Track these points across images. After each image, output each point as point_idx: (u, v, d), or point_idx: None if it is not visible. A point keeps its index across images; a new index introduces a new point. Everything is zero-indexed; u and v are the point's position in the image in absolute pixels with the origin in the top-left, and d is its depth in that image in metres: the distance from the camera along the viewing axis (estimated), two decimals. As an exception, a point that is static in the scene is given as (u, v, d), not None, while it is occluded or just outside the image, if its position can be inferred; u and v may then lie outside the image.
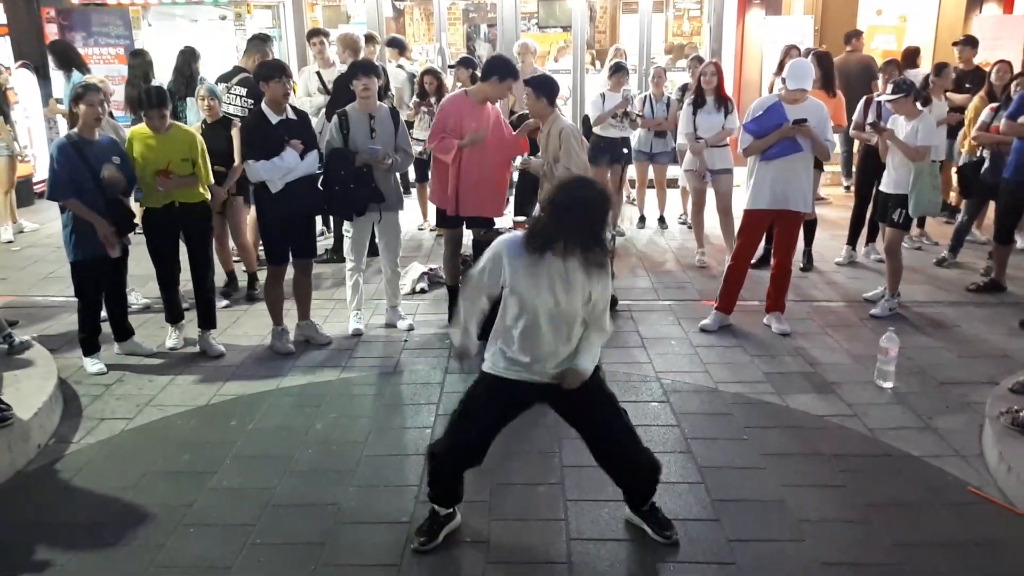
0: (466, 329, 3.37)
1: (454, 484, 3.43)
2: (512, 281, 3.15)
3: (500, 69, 5.41)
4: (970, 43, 8.74)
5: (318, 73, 7.56)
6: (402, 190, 5.85)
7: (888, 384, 4.81)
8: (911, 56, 9.19)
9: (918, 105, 5.83)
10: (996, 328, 5.77)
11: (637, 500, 3.49)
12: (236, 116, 6.40)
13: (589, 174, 5.21)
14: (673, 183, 8.78)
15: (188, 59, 7.43)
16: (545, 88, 5.33)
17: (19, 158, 8.47)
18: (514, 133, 5.73)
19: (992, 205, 6.77)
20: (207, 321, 5.47)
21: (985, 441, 4.12)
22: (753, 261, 6.07)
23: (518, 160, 5.85)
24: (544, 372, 3.25)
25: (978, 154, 6.90)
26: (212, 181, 5.44)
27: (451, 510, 3.48)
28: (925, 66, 9.30)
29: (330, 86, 7.31)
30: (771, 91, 7.92)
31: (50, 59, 8.51)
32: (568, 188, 3.14)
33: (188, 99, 7.17)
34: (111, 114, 5.98)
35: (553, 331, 3.16)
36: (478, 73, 8.15)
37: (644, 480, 3.43)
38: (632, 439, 3.38)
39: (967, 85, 8.38)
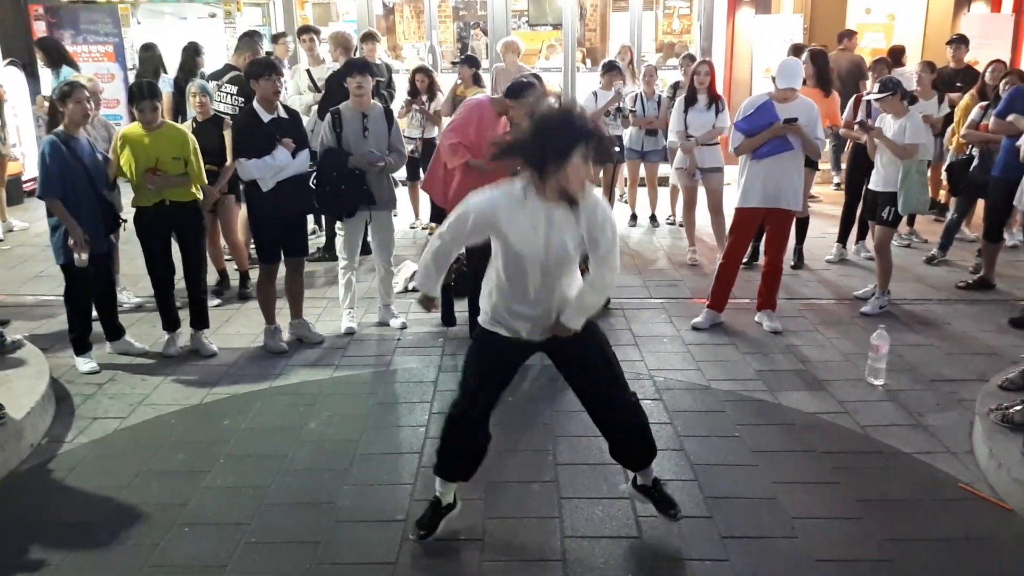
0: (430, 275, 3.34)
1: (467, 456, 3.40)
2: (496, 231, 3.09)
3: (517, 92, 5.12)
4: (962, 41, 8.72)
5: (308, 71, 7.55)
6: (394, 188, 5.84)
7: (879, 381, 4.85)
8: (897, 55, 9.19)
9: (905, 103, 5.87)
10: (985, 325, 5.81)
11: (635, 463, 3.49)
12: (226, 114, 6.38)
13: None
14: (664, 182, 8.80)
15: (192, 54, 7.40)
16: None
17: (7, 158, 8.42)
18: None
19: (981, 203, 6.80)
20: (199, 321, 5.46)
21: (975, 438, 4.16)
22: (744, 259, 6.10)
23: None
24: (538, 325, 3.20)
25: (967, 152, 6.95)
26: (205, 181, 5.42)
27: (453, 500, 3.48)
28: (911, 64, 9.32)
29: (320, 84, 7.30)
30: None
31: (38, 56, 8.45)
32: (535, 116, 3.03)
33: None
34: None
35: (543, 278, 3.10)
36: (481, 73, 8.19)
37: (634, 437, 3.41)
38: (620, 395, 3.35)
39: (958, 84, 8.31)
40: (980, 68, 9.58)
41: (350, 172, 5.33)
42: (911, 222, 7.84)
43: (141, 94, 5.06)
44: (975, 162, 6.75)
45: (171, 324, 5.44)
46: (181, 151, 5.15)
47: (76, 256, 4.81)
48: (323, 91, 7.17)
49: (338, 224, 5.72)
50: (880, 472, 3.94)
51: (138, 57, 7.79)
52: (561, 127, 2.95)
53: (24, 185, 9.72)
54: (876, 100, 5.91)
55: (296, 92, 7.63)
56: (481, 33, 14.38)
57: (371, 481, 3.90)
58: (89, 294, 5.15)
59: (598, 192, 3.27)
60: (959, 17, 10.75)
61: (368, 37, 8.11)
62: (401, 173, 8.47)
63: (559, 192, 2.99)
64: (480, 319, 3.36)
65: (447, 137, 5.42)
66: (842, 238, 7.40)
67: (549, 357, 3.42)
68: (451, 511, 3.48)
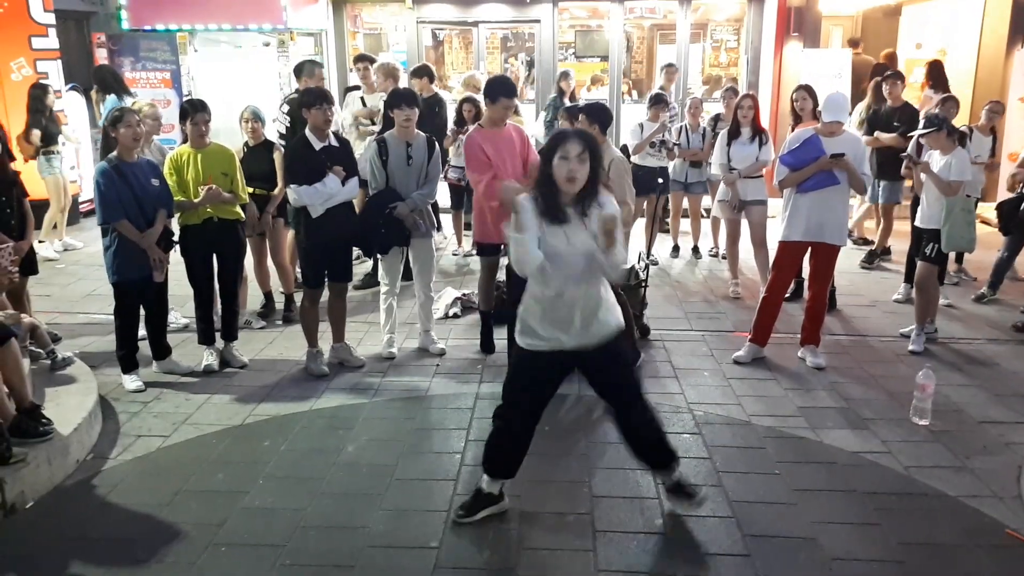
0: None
1: (510, 454, 3.71)
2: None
3: (490, 91, 5.55)
4: (898, 77, 8.17)
5: (362, 98, 7.72)
6: (435, 218, 5.93)
7: (924, 421, 4.75)
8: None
9: (953, 140, 5.80)
10: (1036, 367, 5.67)
11: (653, 461, 3.83)
12: (281, 136, 6.59)
13: (634, 206, 5.40)
14: (707, 213, 8.76)
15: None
16: (598, 116, 5.38)
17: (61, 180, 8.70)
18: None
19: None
20: (231, 334, 5.65)
21: (1024, 483, 4.05)
22: (787, 294, 6.03)
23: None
24: (565, 339, 3.47)
25: (1018, 191, 6.82)
26: (246, 200, 5.63)
27: (497, 492, 3.76)
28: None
29: (373, 109, 7.50)
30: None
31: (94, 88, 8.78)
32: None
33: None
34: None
35: (563, 292, 3.41)
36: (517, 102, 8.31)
37: (652, 447, 3.77)
38: (640, 413, 3.70)
39: (896, 123, 7.77)
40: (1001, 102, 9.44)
41: (395, 218, 5.44)
42: (959, 259, 7.69)
43: (194, 108, 5.32)
44: (1025, 202, 6.61)
45: (208, 339, 5.59)
46: (228, 167, 5.42)
47: (155, 272, 5.11)
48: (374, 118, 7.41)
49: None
50: (924, 515, 3.85)
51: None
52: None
53: (80, 206, 10.01)
54: (921, 136, 5.84)
55: (352, 115, 7.84)
56: (521, 64, 14.59)
57: (405, 507, 3.91)
58: (137, 313, 5.30)
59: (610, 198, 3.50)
60: (1012, 52, 10.58)
61: (421, 72, 8.25)
62: (446, 200, 8.62)
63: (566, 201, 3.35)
64: (518, 339, 3.61)
65: (477, 185, 5.57)
66: (909, 278, 7.24)
67: (580, 370, 3.67)
68: (494, 503, 3.77)
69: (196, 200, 5.27)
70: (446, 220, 9.08)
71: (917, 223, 6.08)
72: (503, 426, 3.69)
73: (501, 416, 3.70)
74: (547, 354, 3.52)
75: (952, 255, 6.82)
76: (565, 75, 9.62)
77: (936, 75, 9.40)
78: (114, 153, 5.08)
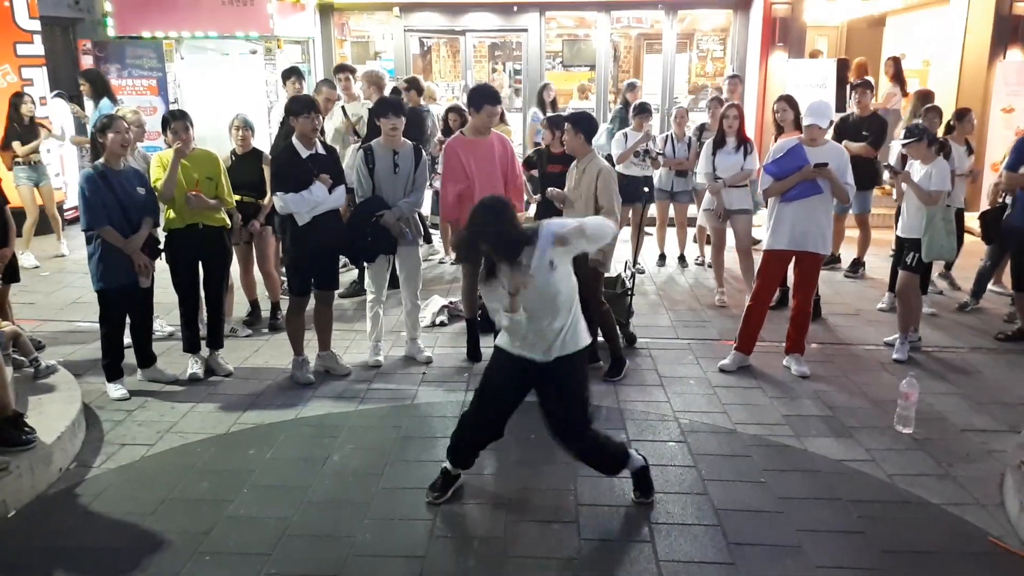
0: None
1: (471, 452, 4.03)
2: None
3: (474, 99, 5.65)
4: (867, 87, 8.19)
5: (343, 107, 7.71)
6: (421, 226, 5.94)
7: (908, 430, 4.78)
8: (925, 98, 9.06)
9: (932, 150, 5.86)
10: (1018, 375, 5.72)
11: (606, 472, 4.00)
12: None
13: (620, 214, 5.48)
14: (693, 222, 8.81)
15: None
16: (584, 125, 5.41)
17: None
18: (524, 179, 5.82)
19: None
20: (216, 341, 5.63)
21: (1006, 490, 4.07)
22: (772, 303, 6.07)
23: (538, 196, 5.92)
24: (538, 345, 3.67)
25: (1001, 199, 6.88)
26: (233, 205, 5.65)
27: (459, 474, 4.06)
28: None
29: (354, 119, 7.49)
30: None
31: (82, 87, 8.71)
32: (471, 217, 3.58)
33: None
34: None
35: (532, 311, 3.56)
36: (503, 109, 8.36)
37: (594, 462, 3.95)
38: (571, 434, 3.83)
39: (864, 132, 7.82)
40: (1016, 115, 9.58)
41: (380, 224, 5.45)
42: (948, 267, 7.73)
43: (174, 117, 5.36)
44: (1008, 210, 6.67)
45: (193, 347, 5.58)
46: (213, 171, 5.43)
47: (140, 279, 5.10)
48: (357, 128, 7.40)
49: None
50: (907, 523, 3.87)
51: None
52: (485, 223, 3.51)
53: (65, 213, 9.95)
54: (903, 146, 5.90)
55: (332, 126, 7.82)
56: (506, 74, 14.65)
57: (391, 516, 3.90)
58: (123, 321, 5.27)
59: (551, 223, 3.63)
60: (994, 64, 10.70)
61: (412, 84, 8.26)
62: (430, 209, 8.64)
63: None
64: (497, 340, 3.85)
65: (444, 191, 5.70)
66: (892, 286, 7.28)
67: (539, 385, 3.80)
68: (458, 480, 4.07)
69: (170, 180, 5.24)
70: (434, 231, 9.09)
71: (899, 232, 6.14)
72: (469, 425, 3.96)
73: (469, 416, 3.97)
74: (518, 358, 3.75)
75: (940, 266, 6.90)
76: (632, 86, 9.65)
77: (896, 71, 9.81)
78: (101, 160, 5.06)
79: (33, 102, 8.53)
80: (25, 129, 8.37)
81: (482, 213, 3.52)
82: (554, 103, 9.86)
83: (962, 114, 7.59)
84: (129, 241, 5.02)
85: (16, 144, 8.28)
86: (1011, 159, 6.34)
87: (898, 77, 9.77)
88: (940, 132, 7.24)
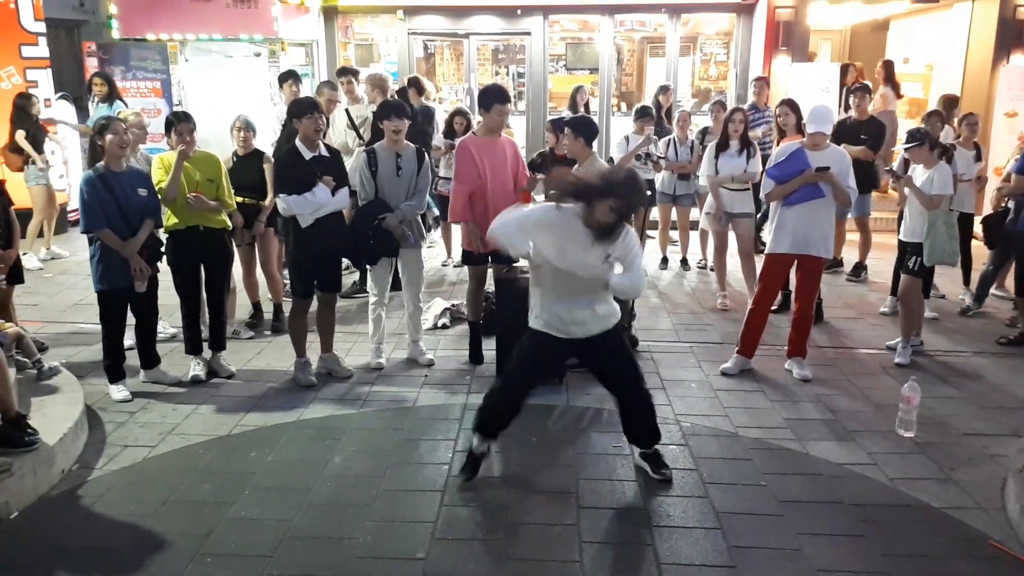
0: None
1: (501, 420, 4.20)
2: (536, 245, 3.88)
3: (484, 99, 5.63)
4: (865, 91, 8.13)
5: (347, 110, 7.73)
6: (424, 228, 5.95)
7: (909, 433, 4.78)
8: (950, 104, 8.85)
9: (935, 154, 5.87)
10: (1021, 380, 5.71)
11: (643, 441, 4.28)
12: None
13: None
14: (695, 226, 8.81)
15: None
16: (584, 129, 5.42)
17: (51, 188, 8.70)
18: (527, 184, 5.79)
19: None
20: (218, 343, 5.64)
21: (1008, 494, 4.07)
22: (774, 307, 6.06)
23: (540, 198, 5.91)
24: (575, 329, 3.99)
25: (1004, 204, 6.88)
26: (233, 207, 5.65)
27: (487, 450, 4.26)
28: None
29: (358, 121, 7.51)
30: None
31: (98, 88, 8.75)
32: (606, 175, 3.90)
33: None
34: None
35: (574, 288, 3.89)
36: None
37: (649, 424, 4.24)
38: (642, 395, 4.21)
39: (862, 136, 7.79)
40: (1019, 120, 9.57)
41: (384, 229, 5.45)
42: (967, 279, 7.56)
43: (179, 119, 5.38)
44: (1010, 215, 6.67)
45: (195, 349, 5.59)
46: (215, 173, 5.45)
47: (136, 283, 5.11)
48: (361, 131, 7.41)
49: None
50: (908, 527, 3.87)
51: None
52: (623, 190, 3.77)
53: (69, 215, 9.98)
54: (905, 150, 5.90)
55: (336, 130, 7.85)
56: (508, 77, 14.67)
57: (393, 518, 3.90)
58: (123, 323, 5.28)
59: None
60: (998, 68, 10.70)
61: (412, 84, 8.28)
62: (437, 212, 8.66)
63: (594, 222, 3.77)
64: (532, 323, 4.10)
65: (455, 190, 5.63)
66: (895, 290, 7.26)
67: (582, 359, 4.25)
68: (485, 457, 4.27)
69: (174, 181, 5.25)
70: (436, 233, 9.11)
71: (901, 237, 6.14)
72: (502, 397, 4.20)
73: (501, 388, 4.24)
74: (557, 338, 4.01)
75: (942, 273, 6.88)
76: (664, 89, 9.76)
77: (887, 74, 9.85)
78: (101, 162, 5.08)
79: (38, 102, 8.56)
80: (35, 127, 8.42)
81: (642, 185, 3.96)
82: (587, 106, 9.85)
83: (964, 116, 7.59)
84: (126, 244, 5.02)
85: (20, 134, 8.30)
86: (1021, 162, 6.32)
87: (890, 80, 9.82)
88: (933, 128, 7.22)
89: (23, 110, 8.32)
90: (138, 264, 5.06)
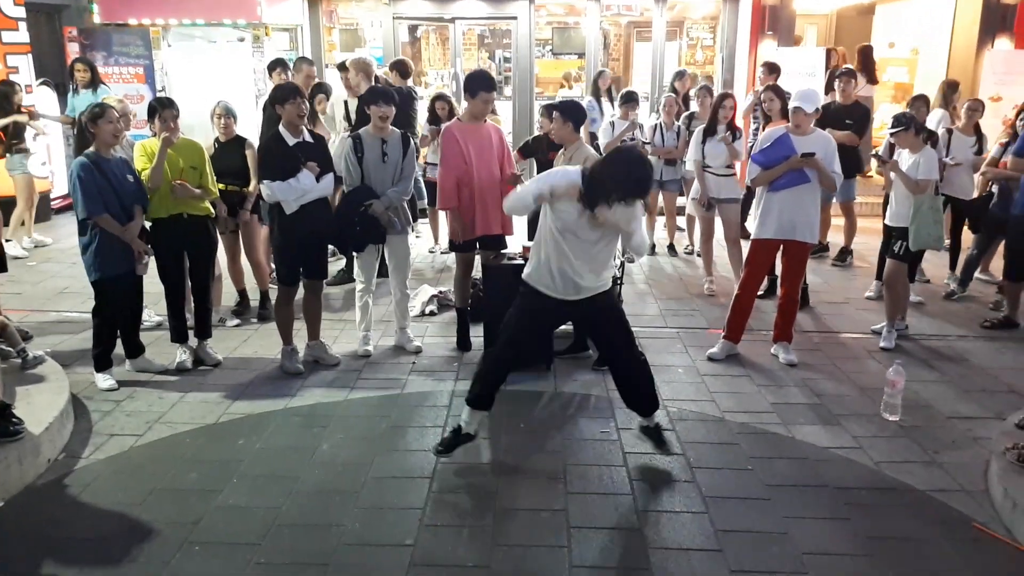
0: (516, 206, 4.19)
1: (493, 387, 4.23)
2: (553, 211, 3.97)
3: (469, 85, 5.62)
4: (851, 75, 8.07)
5: (345, 102, 7.69)
6: (410, 214, 5.93)
7: (894, 417, 4.81)
8: (952, 87, 8.80)
9: (920, 138, 5.89)
10: (1004, 363, 5.76)
11: (642, 409, 4.34)
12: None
13: None
14: (682, 211, 8.83)
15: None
16: (572, 114, 5.41)
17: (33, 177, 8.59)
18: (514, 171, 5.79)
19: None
20: (204, 331, 5.62)
21: (991, 477, 4.11)
22: (760, 292, 6.09)
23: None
24: (570, 290, 4.04)
25: (987, 189, 6.93)
26: (216, 195, 5.62)
27: (474, 432, 4.26)
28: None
29: (355, 114, 7.46)
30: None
31: (80, 75, 8.63)
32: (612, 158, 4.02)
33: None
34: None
35: (575, 250, 3.96)
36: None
37: (642, 391, 4.30)
38: (634, 358, 4.27)
39: (848, 121, 7.73)
40: (1004, 104, 9.61)
41: (371, 216, 5.43)
42: (953, 266, 7.53)
43: (162, 105, 5.32)
44: (994, 199, 6.72)
45: (180, 337, 5.56)
46: (197, 161, 5.41)
47: (138, 265, 5.10)
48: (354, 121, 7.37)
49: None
50: (893, 509, 3.91)
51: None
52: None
53: (52, 203, 9.89)
54: (891, 135, 5.92)
55: (333, 119, 7.81)
56: (492, 62, 14.62)
57: (381, 505, 3.91)
58: (118, 311, 5.24)
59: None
60: (982, 52, 10.74)
61: (399, 66, 8.22)
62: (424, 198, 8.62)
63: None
64: (524, 274, 4.17)
65: (442, 177, 5.64)
66: (880, 274, 7.30)
67: (577, 321, 4.51)
68: (469, 440, 4.27)
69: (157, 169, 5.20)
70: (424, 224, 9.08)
71: (886, 221, 6.18)
72: (497, 357, 4.24)
73: (499, 350, 4.24)
74: (553, 299, 4.07)
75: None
76: (680, 75, 9.62)
77: (865, 60, 10.01)
78: (91, 148, 5.02)
79: (21, 89, 8.44)
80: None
81: (648, 166, 4.07)
82: (610, 91, 9.75)
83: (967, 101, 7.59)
84: (127, 228, 5.00)
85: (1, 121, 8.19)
86: (1020, 144, 6.34)
87: (867, 66, 9.89)
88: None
89: (6, 98, 8.21)
90: (140, 247, 5.06)
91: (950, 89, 8.58)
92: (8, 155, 8.30)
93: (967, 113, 7.46)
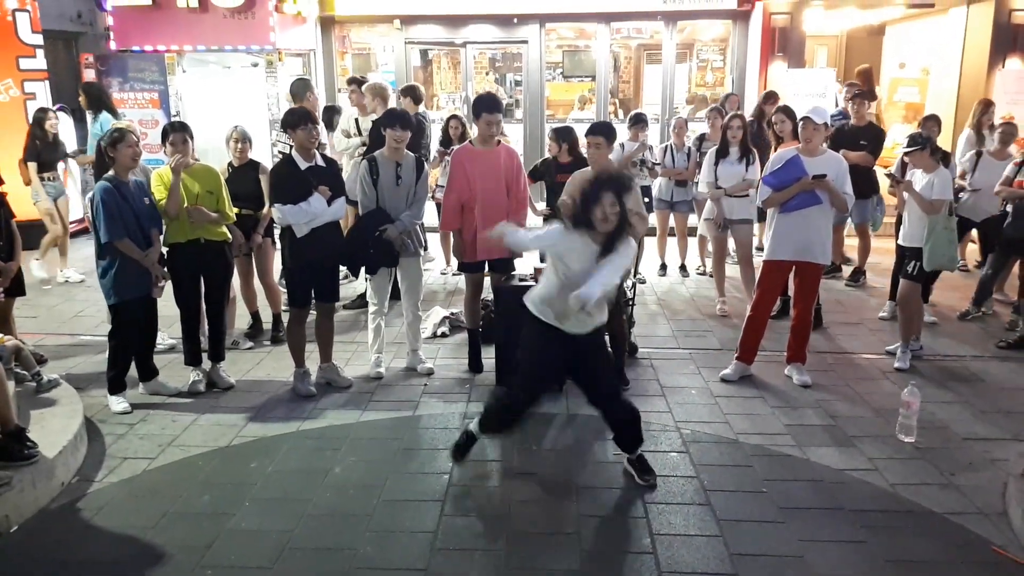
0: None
1: (507, 426, 4.35)
2: (553, 252, 4.13)
3: (474, 109, 5.70)
4: (865, 97, 8.23)
5: (356, 120, 7.77)
6: (423, 237, 5.96)
7: (910, 438, 4.77)
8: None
9: (935, 159, 5.88)
10: (1021, 383, 5.71)
11: (625, 446, 4.36)
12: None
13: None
14: (693, 232, 8.82)
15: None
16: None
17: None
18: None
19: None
20: (218, 354, 5.65)
21: (1009, 499, 4.06)
22: (773, 313, 6.06)
23: (541, 206, 5.93)
24: (568, 323, 4.07)
25: (1001, 208, 6.89)
26: (233, 218, 5.66)
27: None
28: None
29: (365, 135, 7.51)
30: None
31: (80, 99, 8.68)
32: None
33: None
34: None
35: (573, 286, 3.92)
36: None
37: (625, 429, 4.31)
38: (614, 400, 4.31)
39: (862, 142, 7.77)
40: (1015, 123, 9.58)
41: (385, 240, 5.47)
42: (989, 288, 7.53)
43: (173, 129, 5.41)
44: (1008, 219, 6.68)
45: (195, 360, 5.59)
46: (214, 185, 5.47)
47: (154, 289, 5.17)
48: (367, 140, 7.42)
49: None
50: (910, 532, 3.86)
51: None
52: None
53: (70, 227, 9.94)
54: (905, 154, 5.91)
55: (344, 135, 7.85)
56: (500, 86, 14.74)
57: (393, 528, 3.90)
58: (135, 334, 5.28)
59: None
60: (993, 72, 10.73)
61: (409, 92, 8.28)
62: (435, 220, 8.65)
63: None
64: (527, 299, 4.23)
65: (446, 201, 5.74)
66: (894, 295, 7.25)
67: (573, 355, 4.20)
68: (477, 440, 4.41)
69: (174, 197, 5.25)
70: (433, 240, 9.10)
71: (900, 241, 6.15)
72: (509, 403, 4.25)
73: (521, 396, 4.22)
74: (554, 329, 4.10)
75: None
76: (768, 97, 9.22)
77: (865, 80, 10.19)
78: (111, 172, 5.08)
79: (56, 117, 8.37)
80: (48, 146, 8.24)
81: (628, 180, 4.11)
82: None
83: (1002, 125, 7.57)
84: (148, 254, 5.07)
85: (32, 166, 8.13)
86: None
87: (867, 85, 10.00)
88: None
89: (39, 124, 8.21)
90: (159, 272, 5.14)
91: (983, 108, 8.55)
92: (40, 183, 8.24)
93: (1001, 137, 7.38)
